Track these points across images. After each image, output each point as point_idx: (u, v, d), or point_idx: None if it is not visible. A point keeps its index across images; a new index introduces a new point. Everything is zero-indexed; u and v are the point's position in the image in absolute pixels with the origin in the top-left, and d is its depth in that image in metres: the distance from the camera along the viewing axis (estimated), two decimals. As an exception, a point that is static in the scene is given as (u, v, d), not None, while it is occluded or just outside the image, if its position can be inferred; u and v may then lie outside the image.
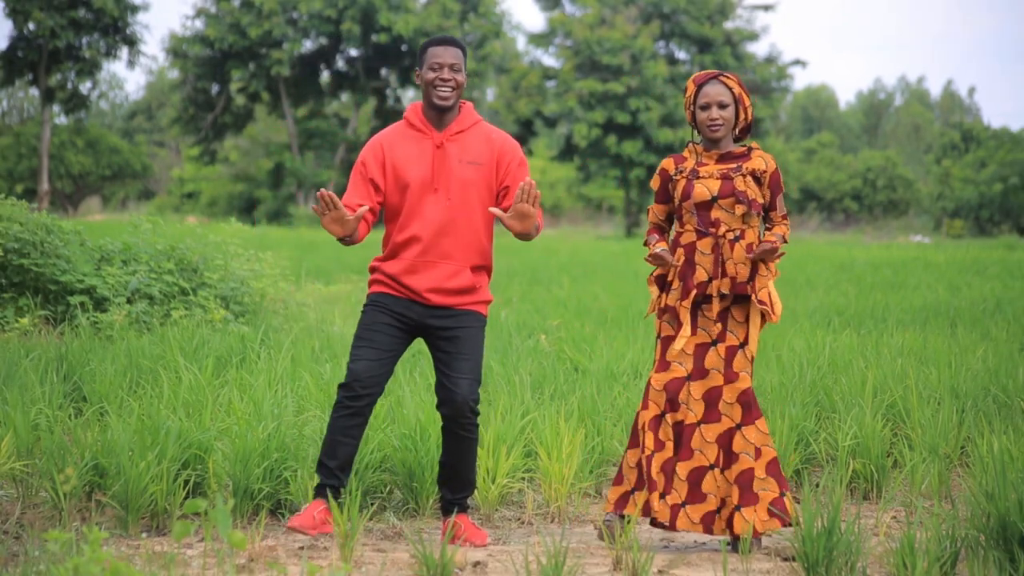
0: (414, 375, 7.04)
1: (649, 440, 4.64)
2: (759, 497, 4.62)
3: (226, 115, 46.07)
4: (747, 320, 4.70)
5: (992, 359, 7.51)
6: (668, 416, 4.66)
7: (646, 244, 4.82)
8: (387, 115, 46.81)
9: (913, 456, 5.70)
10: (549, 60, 49.38)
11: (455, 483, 4.78)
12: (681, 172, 4.74)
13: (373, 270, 4.73)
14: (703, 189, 4.68)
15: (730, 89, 4.72)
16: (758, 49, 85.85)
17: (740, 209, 4.67)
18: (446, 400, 4.64)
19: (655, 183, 4.81)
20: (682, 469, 4.63)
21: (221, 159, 48.78)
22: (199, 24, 44.30)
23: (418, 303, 4.64)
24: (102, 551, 3.42)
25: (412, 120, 4.68)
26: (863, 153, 61.16)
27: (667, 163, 4.80)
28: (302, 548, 4.66)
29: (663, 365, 4.68)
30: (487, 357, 7.75)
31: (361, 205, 4.61)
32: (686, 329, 4.64)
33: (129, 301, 8.99)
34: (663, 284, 4.76)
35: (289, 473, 5.11)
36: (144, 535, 4.86)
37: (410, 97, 54.97)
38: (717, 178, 4.69)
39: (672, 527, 4.64)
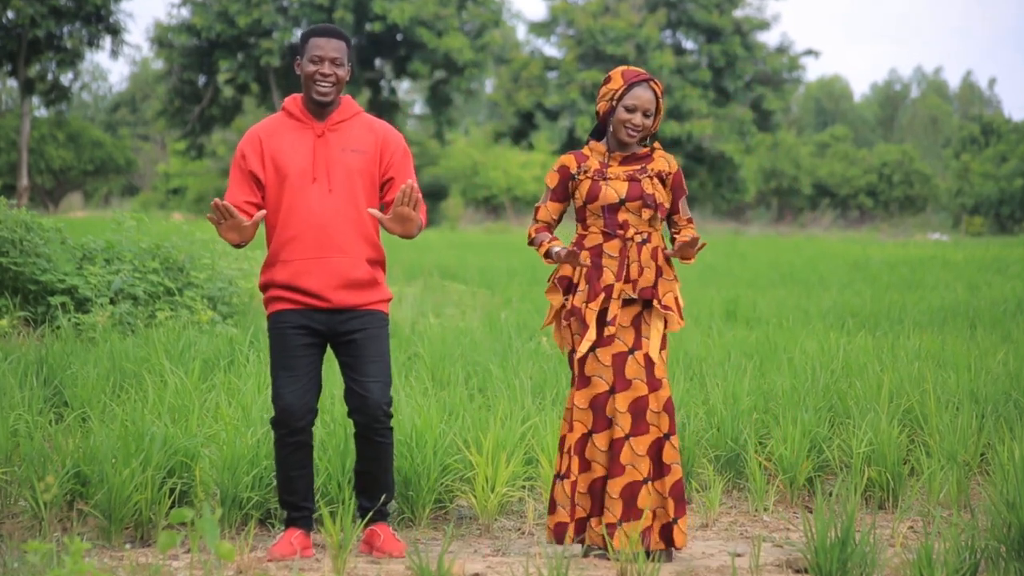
0: (409, 379, 7.04)
1: (574, 464, 4.67)
2: (686, 509, 4.71)
3: (213, 107, 46.06)
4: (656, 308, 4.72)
5: (1013, 362, 7.51)
6: (597, 436, 4.66)
7: (533, 243, 4.80)
8: (381, 107, 46.81)
9: (931, 463, 5.70)
10: (550, 50, 49.39)
11: (374, 490, 4.77)
12: (585, 172, 4.74)
13: (265, 286, 4.67)
14: (611, 191, 4.70)
15: (657, 98, 4.74)
16: (769, 38, 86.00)
17: (647, 212, 4.71)
18: (358, 406, 4.65)
19: (552, 180, 4.79)
20: (614, 487, 4.64)
21: (208, 153, 48.77)
22: (185, 12, 44.31)
23: (320, 310, 4.61)
24: (84, 563, 3.42)
25: (292, 110, 4.68)
26: (878, 147, 61.19)
27: (567, 160, 4.79)
28: (295, 558, 4.66)
29: (583, 381, 4.69)
30: (486, 360, 7.75)
31: (249, 203, 4.61)
32: (591, 332, 4.63)
33: (112, 302, 8.99)
34: (568, 287, 4.74)
35: (279, 481, 5.10)
36: (128, 546, 4.86)
37: (405, 89, 55.03)
38: (624, 180, 4.71)
39: (604, 548, 4.65)
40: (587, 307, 4.66)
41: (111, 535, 4.85)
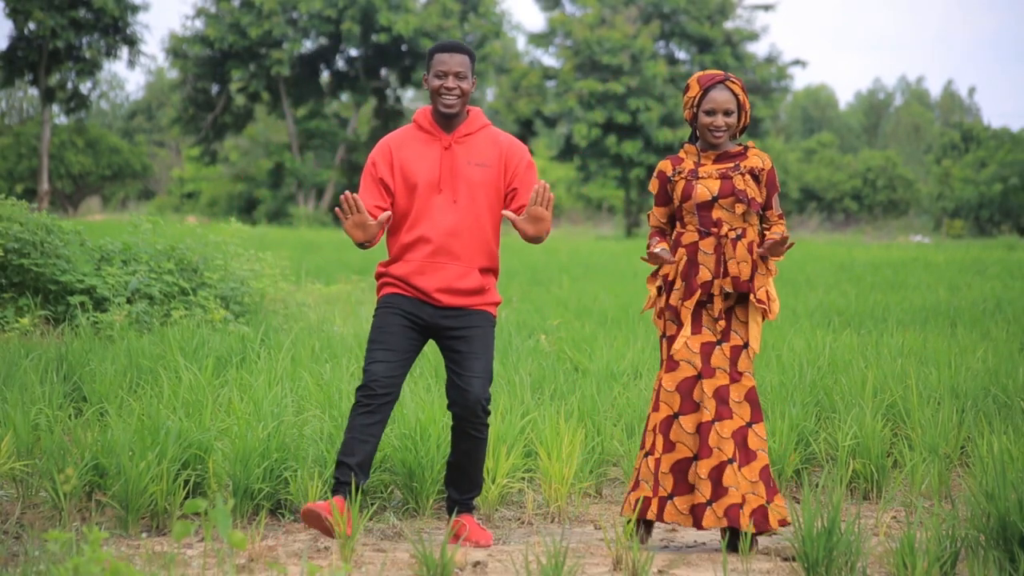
0: (413, 374, 7.04)
1: (659, 442, 4.63)
2: (777, 488, 4.68)
3: (226, 115, 46.06)
4: (748, 319, 4.70)
5: (992, 359, 7.50)
6: (684, 418, 4.63)
7: (649, 248, 4.79)
8: (387, 115, 46.81)
9: (913, 456, 5.69)
10: (549, 60, 49.40)
11: (464, 483, 4.79)
12: (679, 173, 4.73)
13: (380, 275, 4.73)
14: (704, 189, 4.67)
15: (736, 96, 4.70)
16: (758, 49, 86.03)
17: (740, 208, 4.68)
18: (458, 400, 4.64)
19: (654, 186, 4.79)
20: (703, 468, 4.60)
21: (221, 159, 48.78)
22: (199, 24, 44.31)
23: (428, 304, 4.64)
24: (102, 551, 3.42)
25: (421, 123, 4.70)
26: (863, 153, 61.15)
27: (664, 165, 4.78)
28: (304, 547, 4.66)
29: (671, 364, 4.67)
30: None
31: (377, 207, 4.62)
32: (687, 329, 4.64)
33: (129, 301, 8.98)
34: (665, 283, 4.74)
35: (289, 473, 5.11)
36: (144, 535, 4.86)
37: (410, 98, 54.95)
38: (716, 178, 4.69)
39: (698, 526, 4.61)
40: (683, 305, 4.65)
41: (128, 524, 4.85)
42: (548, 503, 5.37)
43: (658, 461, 4.63)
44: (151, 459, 4.87)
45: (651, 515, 4.64)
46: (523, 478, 5.57)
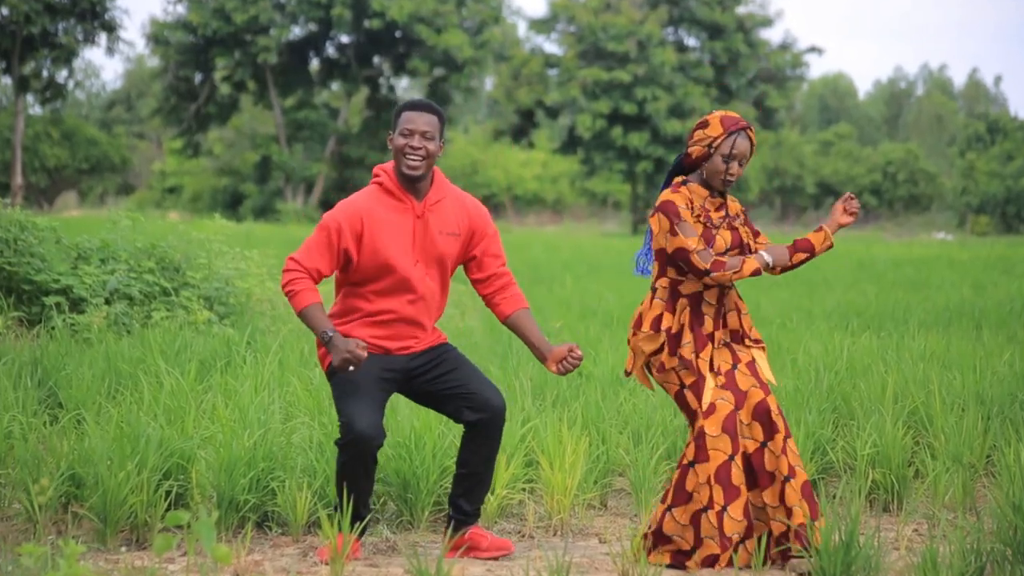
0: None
1: (719, 494, 4.54)
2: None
3: (210, 105, 46.09)
4: (754, 359, 4.72)
5: (1019, 363, 7.50)
6: (737, 457, 4.57)
7: (753, 270, 4.60)
8: (380, 105, 46.83)
9: (936, 466, 5.69)
10: (551, 47, 49.50)
11: (479, 492, 4.82)
12: (696, 216, 4.65)
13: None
14: (722, 240, 4.66)
15: (752, 145, 4.70)
16: (772, 35, 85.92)
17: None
18: (484, 408, 4.66)
19: (685, 215, 4.60)
20: (772, 496, 4.57)
21: (205, 152, 48.82)
22: (181, 9, 44.35)
23: (392, 355, 4.70)
24: (79, 566, 3.42)
25: (388, 186, 4.69)
26: (883, 145, 61.24)
27: (678, 200, 4.64)
28: (292, 562, 4.66)
29: (709, 411, 4.58)
30: (486, 361, 7.76)
31: (321, 274, 4.62)
32: (710, 381, 4.59)
33: (107, 302, 8.99)
34: (669, 338, 4.64)
35: (276, 483, 5.11)
36: (123, 549, 4.86)
37: (404, 87, 54.99)
38: (726, 228, 4.69)
39: (786, 558, 4.56)
40: (698, 358, 4.61)
41: (106, 538, 4.85)
42: (550, 515, 5.37)
43: (721, 514, 4.53)
44: (131, 469, 4.87)
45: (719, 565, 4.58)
46: (524, 489, 5.57)
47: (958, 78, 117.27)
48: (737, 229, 4.70)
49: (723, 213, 4.71)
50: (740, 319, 4.71)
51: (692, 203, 4.66)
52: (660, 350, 4.67)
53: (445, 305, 4.83)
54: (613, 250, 25.12)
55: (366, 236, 4.61)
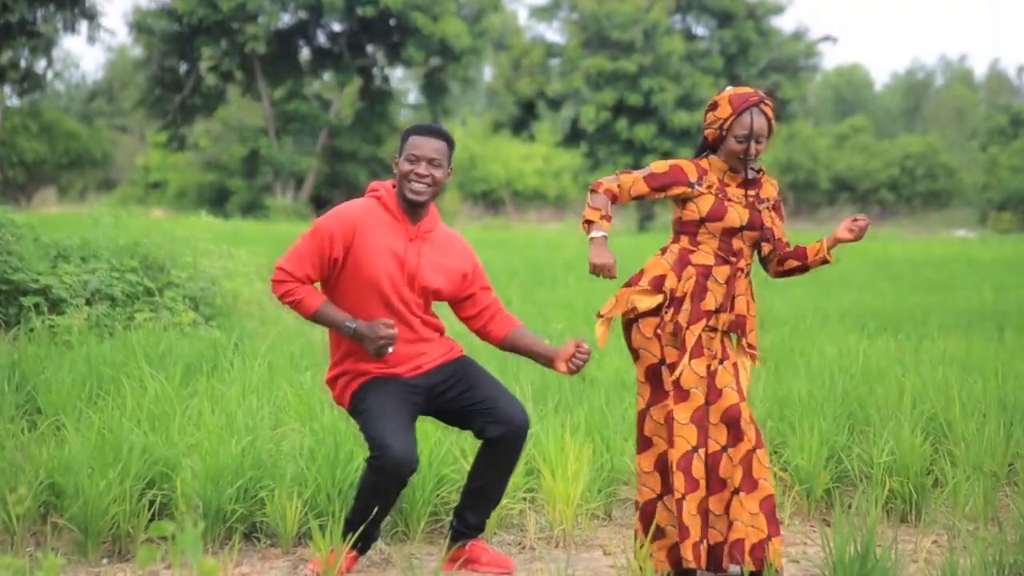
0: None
1: (679, 481, 4.54)
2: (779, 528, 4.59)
3: (195, 97, 46.09)
4: (736, 344, 4.70)
5: (1043, 367, 7.52)
6: (701, 451, 4.57)
7: (594, 192, 4.62)
8: (373, 96, 46.84)
9: (956, 474, 5.70)
10: (553, 35, 49.52)
11: (487, 507, 4.82)
12: (708, 186, 4.64)
13: (339, 376, 4.70)
14: (735, 215, 4.63)
15: (769, 120, 4.65)
16: (784, 23, 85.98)
17: (766, 248, 4.69)
18: (505, 419, 4.66)
19: (660, 167, 4.63)
20: (717, 503, 4.57)
21: (190, 145, 48.81)
22: (165, -5, 44.32)
23: (415, 377, 4.70)
24: (59, 579, 3.42)
25: (388, 203, 4.69)
26: (901, 139, 61.22)
27: (687, 165, 4.65)
28: (281, 574, 4.67)
29: (682, 395, 4.57)
30: (484, 364, 7.74)
31: (308, 278, 4.62)
32: (687, 357, 4.56)
33: (88, 303, 8.99)
34: (670, 299, 4.62)
35: (265, 493, 5.12)
36: (105, 561, 4.86)
37: (399, 77, 54.98)
38: (744, 206, 4.65)
39: (720, 569, 4.56)
40: (688, 329, 4.59)
41: (87, 550, 4.85)
42: (552, 526, 5.37)
43: (680, 502, 4.53)
44: (113, 477, 4.88)
45: (700, 563, 4.55)
46: (524, 499, 5.58)
47: (979, 68, 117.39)
48: (760, 212, 4.66)
49: (752, 192, 4.68)
50: (748, 313, 4.69)
51: (706, 174, 4.65)
52: (654, 314, 4.64)
53: (440, 325, 4.82)
54: (618, 248, 25.12)
55: (355, 249, 4.60)
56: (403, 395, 4.63)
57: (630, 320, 4.67)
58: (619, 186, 4.64)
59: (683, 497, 4.51)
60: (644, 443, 4.67)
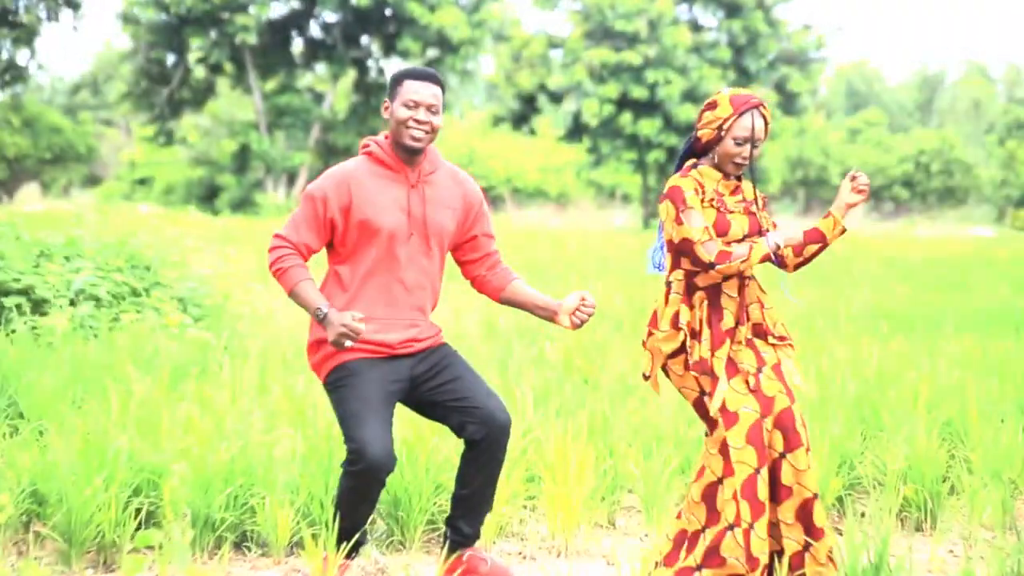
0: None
1: (746, 511, 4.49)
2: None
3: (184, 90, 46.08)
4: (767, 342, 4.70)
5: (1063, 370, 7.51)
6: (764, 470, 4.53)
7: (763, 256, 4.56)
8: (368, 89, 46.83)
9: (972, 481, 5.70)
10: (554, 26, 49.46)
11: (480, 513, 4.81)
12: (711, 200, 4.63)
13: (325, 340, 4.64)
14: (738, 227, 4.63)
15: (766, 125, 4.66)
16: (793, 14, 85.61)
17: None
18: (487, 422, 4.65)
19: (692, 201, 4.58)
20: (786, 512, 4.54)
21: (178, 140, 48.79)
22: (153, -15, 44.31)
23: (396, 358, 4.66)
24: (41, 590, 3.42)
25: (379, 156, 4.68)
26: (915, 133, 61.23)
27: (684, 185, 4.62)
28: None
29: (731, 419, 4.54)
30: (484, 367, 7.76)
31: (310, 249, 4.60)
32: (723, 383, 4.55)
33: (72, 303, 8.99)
34: (691, 334, 4.61)
35: (256, 501, 5.12)
36: (89, 572, 4.86)
37: (395, 68, 54.97)
38: (743, 213, 4.66)
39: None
40: (714, 356, 4.58)
41: (71, 559, 4.85)
42: (553, 535, 5.37)
43: (748, 532, 4.48)
44: (98, 484, 4.87)
45: None
46: (525, 506, 5.57)
47: (996, 61, 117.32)
48: (755, 215, 4.67)
49: (740, 197, 4.69)
50: (763, 313, 4.69)
51: (703, 188, 4.63)
52: (680, 351, 4.64)
53: (440, 291, 4.81)
54: (622, 247, 25.14)
55: (354, 206, 4.59)
56: (385, 385, 4.60)
57: (663, 366, 4.70)
58: (710, 238, 4.58)
59: (751, 527, 4.48)
60: (700, 471, 4.66)
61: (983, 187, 57.64)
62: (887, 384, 7.14)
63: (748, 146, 4.62)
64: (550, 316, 4.73)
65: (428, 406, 4.73)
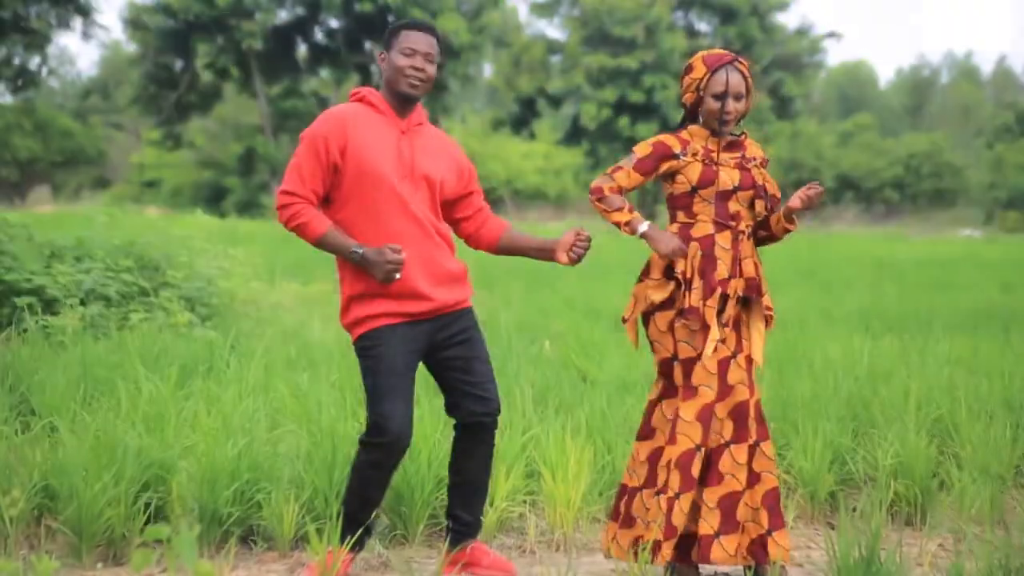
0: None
1: (675, 480, 4.54)
2: (784, 520, 4.61)
3: (191, 94, 46.10)
4: (751, 328, 4.69)
5: (1051, 368, 7.51)
6: (703, 449, 4.56)
7: (603, 201, 4.62)
8: (372, 94, 46.85)
9: (962, 477, 5.70)
10: (554, 32, 49.50)
11: (477, 501, 4.81)
12: (693, 154, 4.66)
13: (360, 297, 4.55)
14: (727, 177, 4.64)
15: (745, 79, 4.67)
16: (788, 20, 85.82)
17: (760, 204, 4.67)
18: (477, 409, 4.65)
19: (643, 150, 4.65)
20: (711, 496, 4.57)
21: (185, 144, 48.82)
22: (160, -9, 44.31)
23: (422, 321, 4.60)
24: (52, 583, 3.42)
25: (373, 101, 4.65)
26: (906, 137, 61.20)
27: (668, 139, 4.68)
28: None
29: (690, 392, 4.57)
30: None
31: (315, 194, 4.54)
32: (714, 332, 4.55)
33: (83, 303, 8.99)
34: (682, 282, 4.61)
35: (262, 496, 5.12)
36: (99, 565, 4.86)
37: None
38: (734, 167, 4.67)
39: (705, 560, 4.56)
40: (705, 305, 4.57)
41: (81, 553, 4.85)
42: (552, 529, 5.37)
43: (671, 500, 4.53)
44: (107, 480, 4.88)
45: (662, 560, 4.54)
46: (524, 501, 5.57)
47: (986, 65, 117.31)
48: (750, 171, 4.67)
49: (739, 154, 4.69)
50: (756, 269, 4.69)
51: (689, 143, 4.66)
52: (668, 305, 4.64)
53: (452, 240, 4.73)
54: (620, 247, 25.12)
55: (350, 147, 4.54)
56: (409, 354, 4.54)
57: (647, 313, 4.68)
58: (619, 186, 4.66)
59: (677, 496, 4.52)
60: (646, 432, 4.71)
61: (972, 190, 57.61)
62: (878, 382, 7.15)
63: (729, 100, 4.63)
64: (548, 255, 4.71)
65: (436, 370, 4.70)
